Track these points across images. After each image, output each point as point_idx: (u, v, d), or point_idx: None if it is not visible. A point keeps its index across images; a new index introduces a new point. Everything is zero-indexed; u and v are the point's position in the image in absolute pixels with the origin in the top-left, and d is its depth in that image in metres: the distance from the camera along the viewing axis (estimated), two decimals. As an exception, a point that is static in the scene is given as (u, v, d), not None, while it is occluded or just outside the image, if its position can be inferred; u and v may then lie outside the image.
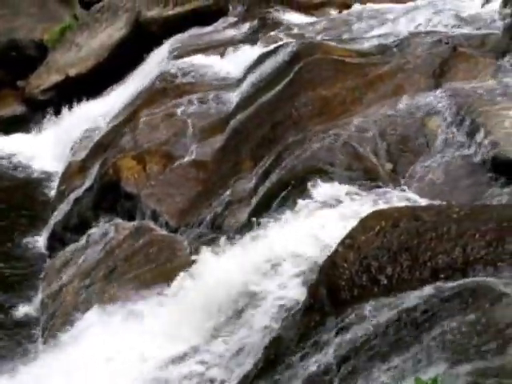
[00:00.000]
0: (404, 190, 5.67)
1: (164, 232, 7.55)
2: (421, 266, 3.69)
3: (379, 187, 5.67)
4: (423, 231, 3.83)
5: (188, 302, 5.35)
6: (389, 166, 6.09)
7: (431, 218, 3.94)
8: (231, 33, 11.78)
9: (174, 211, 7.65)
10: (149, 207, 7.86)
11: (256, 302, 4.98)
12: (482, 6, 5.17)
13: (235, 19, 12.44)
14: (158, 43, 12.18)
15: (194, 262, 5.74)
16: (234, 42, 11.09)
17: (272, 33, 10.68)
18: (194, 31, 12.24)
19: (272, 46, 9.61)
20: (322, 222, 5.25)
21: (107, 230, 8.14)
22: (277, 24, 11.20)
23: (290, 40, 9.45)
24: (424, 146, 6.36)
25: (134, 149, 8.79)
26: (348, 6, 11.62)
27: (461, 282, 3.44)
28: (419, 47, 8.31)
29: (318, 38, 9.66)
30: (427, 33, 8.97)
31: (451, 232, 3.77)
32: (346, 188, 5.60)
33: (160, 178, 8.17)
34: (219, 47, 11.00)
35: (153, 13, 13.05)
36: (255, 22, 11.63)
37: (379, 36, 9.07)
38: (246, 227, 6.05)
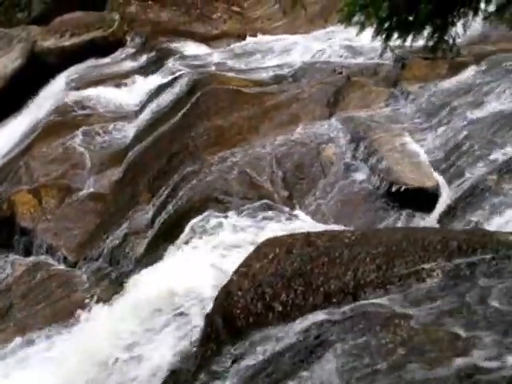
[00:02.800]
0: (300, 217, 5.74)
1: (62, 267, 7.37)
2: (314, 291, 3.71)
3: (275, 214, 5.71)
4: (316, 257, 3.86)
5: (79, 350, 5.17)
6: (285, 193, 6.16)
7: (324, 244, 3.98)
8: (129, 64, 11.71)
9: (71, 245, 7.50)
10: (45, 242, 7.67)
11: (154, 337, 4.90)
12: (357, 34, 5.34)
13: (133, 50, 12.36)
14: (55, 74, 11.95)
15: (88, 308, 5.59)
16: (131, 73, 11.02)
17: (170, 64, 10.68)
18: (92, 62, 12.09)
19: (170, 77, 9.63)
20: (219, 251, 5.23)
21: (3, 266, 7.88)
22: (175, 55, 11.21)
23: (188, 71, 9.48)
24: (320, 173, 6.47)
25: (29, 183, 8.58)
26: (245, 37, 11.78)
27: (352, 305, 3.48)
28: (314, 77, 8.51)
29: (215, 68, 9.73)
30: (321, 63, 9.20)
31: (343, 257, 3.81)
32: (242, 216, 5.61)
33: (57, 211, 7.99)
34: (117, 78, 10.92)
35: (48, 43, 12.80)
36: (153, 53, 11.61)
37: (275, 66, 9.23)
38: (144, 259, 5.97)
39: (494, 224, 5.76)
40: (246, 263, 4.19)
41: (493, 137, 6.67)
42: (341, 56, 9.56)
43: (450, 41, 5.02)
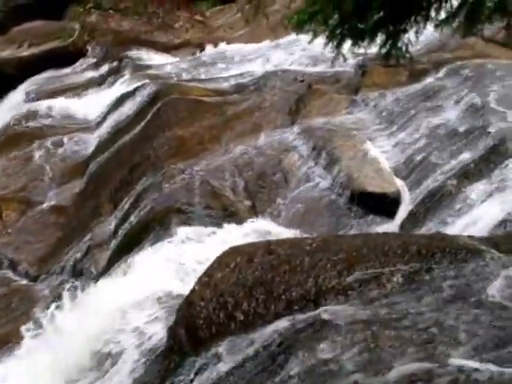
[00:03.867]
0: (263, 225, 5.74)
1: (24, 281, 7.26)
2: (275, 299, 3.71)
3: (238, 224, 5.71)
4: (277, 265, 3.86)
5: (38, 365, 5.07)
6: (247, 202, 6.15)
7: (285, 252, 3.98)
8: (90, 74, 11.64)
9: (33, 259, 7.39)
10: (6, 256, 7.55)
11: (118, 350, 4.84)
12: (310, 42, 5.36)
13: (94, 60, 12.29)
14: (14, 85, 11.81)
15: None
16: (92, 84, 10.96)
17: (131, 74, 10.64)
18: (52, 73, 11.99)
19: (131, 87, 9.58)
20: (183, 261, 5.21)
21: (-38, 282, 7.73)
22: (136, 65, 11.18)
23: (149, 81, 9.44)
24: (282, 181, 6.49)
25: (-12, 196, 8.44)
26: (206, 47, 11.78)
27: (314, 312, 3.49)
28: (276, 85, 8.52)
29: (177, 78, 9.71)
30: (283, 71, 9.24)
31: (304, 264, 3.82)
32: (205, 226, 5.59)
33: (17, 225, 7.88)
34: (78, 89, 10.85)
35: (6, 53, 12.63)
36: (115, 63, 11.55)
37: (237, 75, 9.24)
38: (107, 271, 5.91)
39: (455, 228, 5.83)
40: (208, 273, 4.17)
41: (452, 142, 6.75)
42: (302, 64, 9.61)
43: (403, 48, 5.08)
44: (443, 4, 4.62)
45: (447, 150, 6.70)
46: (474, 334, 3.15)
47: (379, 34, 4.89)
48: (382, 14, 4.68)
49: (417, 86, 8.03)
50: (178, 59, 11.45)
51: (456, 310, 3.36)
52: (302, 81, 8.68)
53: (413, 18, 4.69)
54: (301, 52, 9.94)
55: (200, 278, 4.20)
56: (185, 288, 4.89)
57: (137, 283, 5.32)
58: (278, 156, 6.72)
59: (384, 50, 5.11)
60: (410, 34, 5.02)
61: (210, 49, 11.57)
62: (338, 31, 4.86)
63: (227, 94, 8.32)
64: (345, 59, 5.28)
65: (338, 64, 9.58)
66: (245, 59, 10.27)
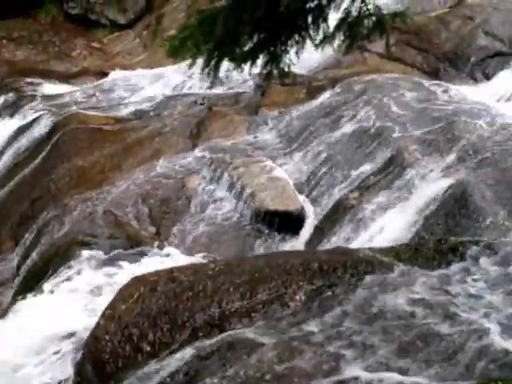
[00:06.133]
0: (169, 252, 5.69)
1: None
2: (180, 327, 3.67)
3: (143, 252, 5.65)
4: (180, 292, 3.83)
5: None
6: (152, 229, 6.10)
7: (188, 278, 3.96)
8: (-15, 107, 11.30)
9: None
10: None
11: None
12: (189, 67, 5.39)
13: (-12, 92, 11.94)
14: None
15: None
16: (-12, 117, 10.63)
17: (29, 105, 10.38)
18: None
19: (29, 119, 9.36)
20: (88, 294, 5.10)
21: None
22: (33, 95, 10.93)
23: (47, 112, 9.26)
24: (186, 205, 6.47)
25: None
26: (105, 74, 11.65)
27: (219, 337, 3.47)
28: (175, 110, 8.51)
29: (76, 107, 9.56)
30: (183, 95, 9.24)
31: (207, 289, 3.80)
32: (109, 257, 5.50)
33: None
34: (-28, 124, 10.49)
35: None
36: (10, 95, 11.25)
37: (136, 102, 9.17)
38: (10, 310, 5.72)
39: (360, 240, 5.95)
40: (112, 305, 4.10)
41: (351, 156, 6.90)
42: (202, 87, 9.63)
43: (286, 68, 5.18)
44: (321, 25, 4.75)
45: (347, 163, 6.84)
46: (379, 346, 3.20)
47: (261, 56, 4.97)
48: (261, 35, 4.76)
49: (315, 103, 8.18)
50: (76, 88, 11.27)
51: (360, 323, 3.42)
52: (202, 104, 8.71)
53: (292, 39, 4.79)
54: (199, 75, 9.95)
55: (104, 311, 4.12)
56: (92, 322, 4.79)
57: (43, 320, 5.18)
58: (181, 180, 6.70)
59: (265, 71, 5.20)
60: (291, 54, 5.12)
61: (109, 76, 11.45)
62: (215, 54, 4.91)
63: (127, 120, 8.25)
64: (221, 83, 5.34)
65: (237, 85, 9.70)
66: (144, 85, 10.21)
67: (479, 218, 5.64)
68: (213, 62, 5.00)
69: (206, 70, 5.11)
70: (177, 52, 5.08)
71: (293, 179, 6.81)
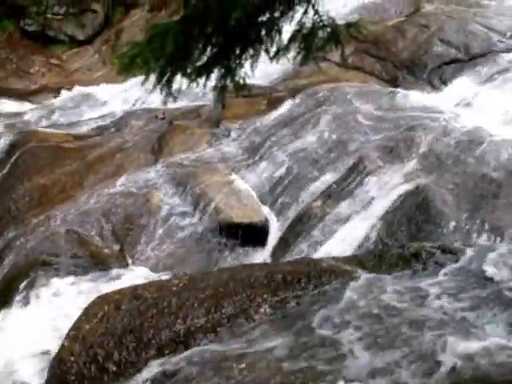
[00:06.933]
0: (133, 269, 5.64)
1: None
2: (145, 345, 3.64)
3: (107, 270, 5.59)
4: (145, 310, 3.80)
5: None
6: (116, 246, 6.04)
7: (152, 295, 3.93)
8: None
9: None
10: None
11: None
12: (143, 84, 5.38)
13: None
14: None
15: None
16: None
17: (-14, 125, 10.26)
18: None
19: (-14, 139, 9.23)
20: (51, 315, 5.04)
21: None
22: (-8, 115, 10.80)
23: (5, 130, 9.14)
24: (149, 221, 6.41)
25: None
26: (65, 91, 11.56)
27: (185, 354, 3.45)
28: (136, 125, 8.47)
29: (35, 125, 9.46)
30: (143, 110, 9.19)
31: (171, 305, 3.78)
32: (73, 277, 5.44)
33: None
34: None
35: None
36: (-34, 115, 11.10)
37: (97, 118, 9.11)
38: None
39: (324, 249, 5.96)
40: (76, 326, 4.05)
41: (313, 165, 6.93)
42: (162, 101, 9.58)
43: (241, 81, 5.20)
44: (275, 37, 4.77)
45: (310, 173, 6.86)
46: (347, 356, 3.21)
47: (215, 70, 4.98)
48: (214, 50, 4.77)
49: (276, 114, 8.20)
50: (35, 105, 11.16)
51: (325, 333, 3.42)
52: (163, 118, 8.68)
53: (247, 53, 4.80)
54: (157, 90, 9.91)
55: (68, 332, 4.07)
56: (57, 343, 4.72)
57: (6, 345, 5.10)
58: (144, 196, 6.65)
59: (220, 85, 5.22)
60: (246, 67, 5.14)
61: (68, 92, 11.36)
62: (167, 70, 4.90)
63: (88, 137, 8.18)
64: (174, 99, 5.34)
65: (198, 98, 9.68)
66: (104, 101, 10.16)
67: (441, 222, 5.69)
68: (165, 78, 4.99)
69: (159, 85, 5.10)
70: (127, 69, 5.07)
71: (256, 190, 6.81)
